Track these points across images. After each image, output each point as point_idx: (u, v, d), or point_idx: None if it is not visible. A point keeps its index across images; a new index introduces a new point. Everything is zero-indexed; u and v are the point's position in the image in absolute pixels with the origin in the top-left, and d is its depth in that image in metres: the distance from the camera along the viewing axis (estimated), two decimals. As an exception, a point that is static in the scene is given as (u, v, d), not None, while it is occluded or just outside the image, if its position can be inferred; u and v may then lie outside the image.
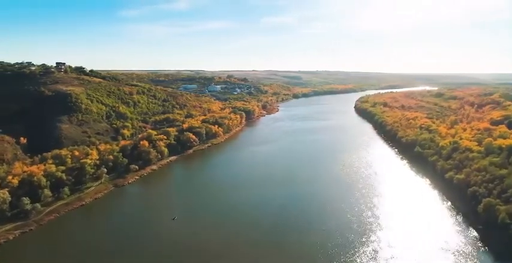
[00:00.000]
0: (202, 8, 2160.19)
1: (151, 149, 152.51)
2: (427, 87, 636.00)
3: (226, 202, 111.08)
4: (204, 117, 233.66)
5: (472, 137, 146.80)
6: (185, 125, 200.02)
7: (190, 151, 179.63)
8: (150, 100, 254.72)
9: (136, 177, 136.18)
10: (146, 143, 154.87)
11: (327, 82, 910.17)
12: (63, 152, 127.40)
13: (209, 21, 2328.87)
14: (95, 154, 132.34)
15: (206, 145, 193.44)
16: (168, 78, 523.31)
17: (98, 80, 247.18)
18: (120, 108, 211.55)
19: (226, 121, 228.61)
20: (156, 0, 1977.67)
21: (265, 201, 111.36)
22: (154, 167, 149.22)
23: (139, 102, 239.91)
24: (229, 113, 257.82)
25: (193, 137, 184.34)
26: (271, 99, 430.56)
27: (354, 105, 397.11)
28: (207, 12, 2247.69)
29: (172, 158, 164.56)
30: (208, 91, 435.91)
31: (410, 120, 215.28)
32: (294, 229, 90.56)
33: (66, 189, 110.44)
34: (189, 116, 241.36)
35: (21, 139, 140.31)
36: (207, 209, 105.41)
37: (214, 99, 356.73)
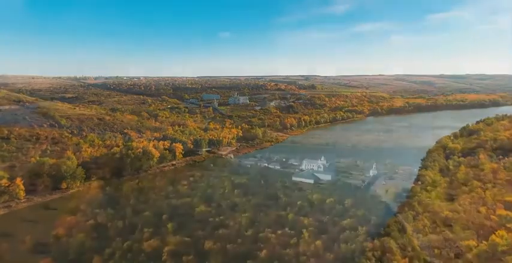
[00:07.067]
0: (359, 9, 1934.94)
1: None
2: None
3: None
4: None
5: None
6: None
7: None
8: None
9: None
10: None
11: (471, 89, 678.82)
12: None
13: (363, 23, 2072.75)
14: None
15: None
16: (199, 85, 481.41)
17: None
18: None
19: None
20: (311, 4, 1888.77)
21: None
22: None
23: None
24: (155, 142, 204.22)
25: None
26: (290, 121, 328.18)
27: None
28: (363, 14, 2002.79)
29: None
30: (229, 103, 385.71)
31: None
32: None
33: None
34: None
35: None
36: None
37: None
